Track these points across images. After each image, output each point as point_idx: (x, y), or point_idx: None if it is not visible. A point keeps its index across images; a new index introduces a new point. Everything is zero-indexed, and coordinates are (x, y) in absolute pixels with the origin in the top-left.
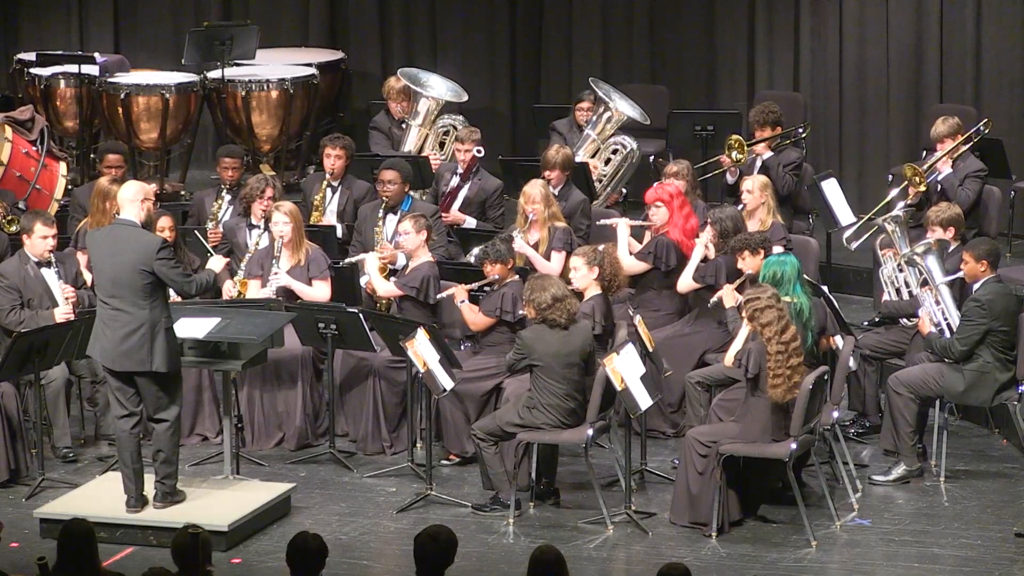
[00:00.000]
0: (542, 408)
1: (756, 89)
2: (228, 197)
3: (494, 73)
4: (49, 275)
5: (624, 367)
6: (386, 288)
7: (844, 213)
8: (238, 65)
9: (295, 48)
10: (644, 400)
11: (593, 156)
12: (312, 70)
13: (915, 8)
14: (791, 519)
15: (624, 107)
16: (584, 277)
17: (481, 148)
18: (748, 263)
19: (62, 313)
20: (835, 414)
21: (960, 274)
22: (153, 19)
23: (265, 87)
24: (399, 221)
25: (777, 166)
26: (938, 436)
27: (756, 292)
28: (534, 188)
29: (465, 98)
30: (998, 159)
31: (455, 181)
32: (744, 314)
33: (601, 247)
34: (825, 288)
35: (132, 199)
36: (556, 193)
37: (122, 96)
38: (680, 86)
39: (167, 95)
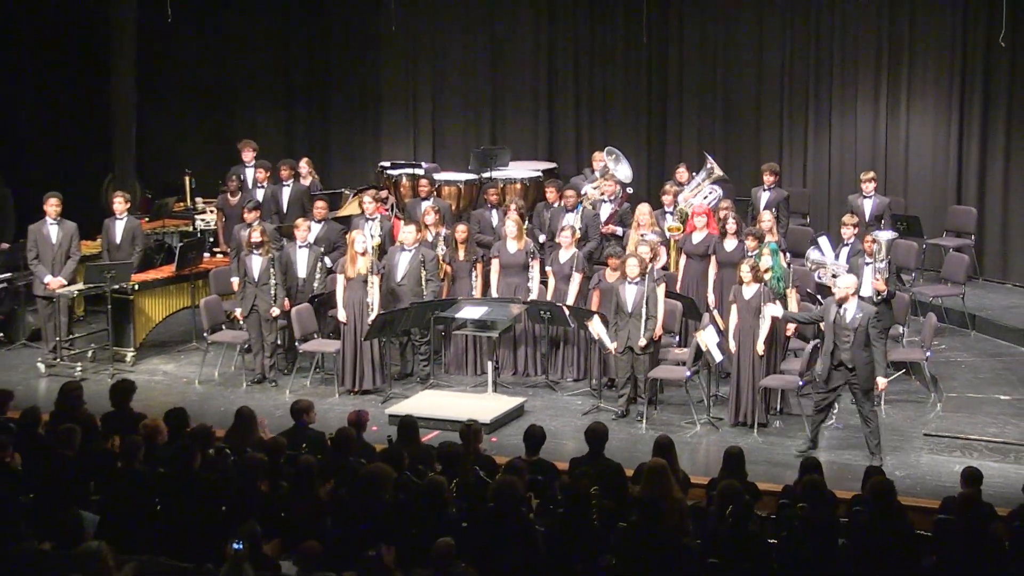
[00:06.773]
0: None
1: (783, 186)
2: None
3: (638, 172)
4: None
5: (707, 338)
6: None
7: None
8: (500, 169)
9: (530, 161)
10: (718, 356)
11: (694, 196)
12: (538, 173)
13: (871, 137)
14: (794, 424)
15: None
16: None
17: (631, 188)
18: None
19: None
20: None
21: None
22: (453, 143)
23: (514, 183)
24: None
25: (777, 203)
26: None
27: (751, 263)
28: (643, 207)
29: (627, 181)
30: (916, 226)
31: (609, 207)
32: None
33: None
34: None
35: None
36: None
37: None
38: (731, 175)
39: (460, 186)
